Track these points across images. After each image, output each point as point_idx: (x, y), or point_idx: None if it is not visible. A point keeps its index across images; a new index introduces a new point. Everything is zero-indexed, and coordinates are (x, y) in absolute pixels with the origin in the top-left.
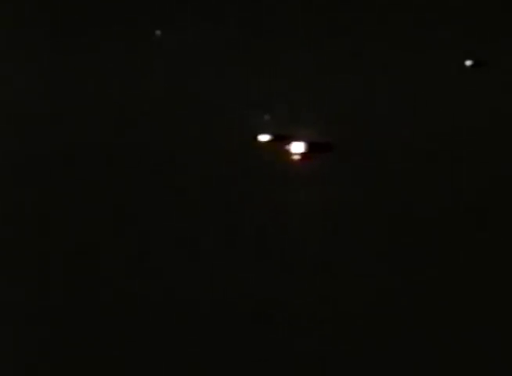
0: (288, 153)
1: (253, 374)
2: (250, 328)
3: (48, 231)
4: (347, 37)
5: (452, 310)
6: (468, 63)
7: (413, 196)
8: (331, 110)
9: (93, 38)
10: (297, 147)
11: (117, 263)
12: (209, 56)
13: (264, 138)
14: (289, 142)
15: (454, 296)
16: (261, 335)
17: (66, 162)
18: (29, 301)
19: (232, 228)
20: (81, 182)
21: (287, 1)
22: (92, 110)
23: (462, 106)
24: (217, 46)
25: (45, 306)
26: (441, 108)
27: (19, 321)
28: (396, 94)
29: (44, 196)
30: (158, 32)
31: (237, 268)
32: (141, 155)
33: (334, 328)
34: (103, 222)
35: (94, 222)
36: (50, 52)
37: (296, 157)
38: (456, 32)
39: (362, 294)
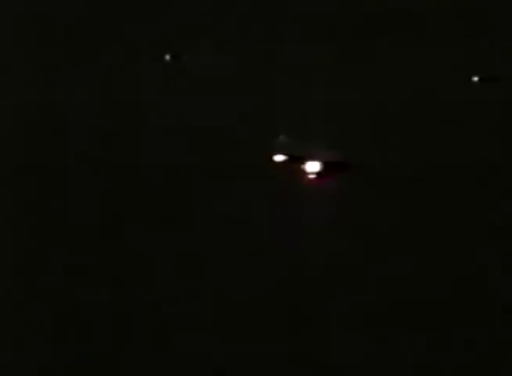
0: (303, 173)
1: None
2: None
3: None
4: (358, 60)
5: None
6: (475, 78)
7: (429, 213)
8: (346, 130)
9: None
10: (312, 167)
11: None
12: (224, 77)
13: (279, 158)
14: (304, 162)
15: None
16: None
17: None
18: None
19: (248, 247)
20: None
21: (306, 24)
22: (109, 131)
23: (472, 122)
24: (233, 67)
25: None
26: (454, 124)
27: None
28: (408, 112)
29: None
30: (167, 57)
31: (250, 285)
32: (155, 175)
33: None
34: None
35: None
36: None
37: (311, 177)
38: (464, 46)
39: (382, 316)
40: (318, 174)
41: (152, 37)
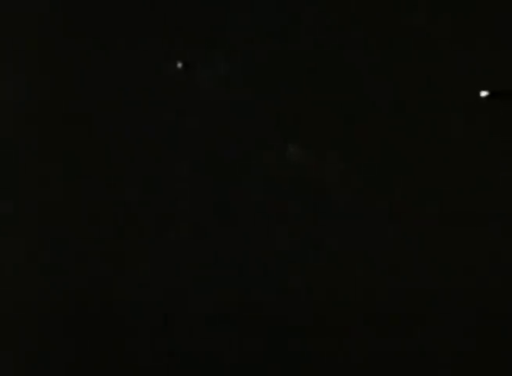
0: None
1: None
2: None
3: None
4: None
5: None
6: (484, 94)
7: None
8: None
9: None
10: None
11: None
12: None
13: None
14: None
15: None
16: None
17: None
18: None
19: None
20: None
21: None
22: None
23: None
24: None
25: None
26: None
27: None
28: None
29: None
30: (180, 64)
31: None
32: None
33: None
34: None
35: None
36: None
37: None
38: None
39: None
40: None
41: (163, 44)
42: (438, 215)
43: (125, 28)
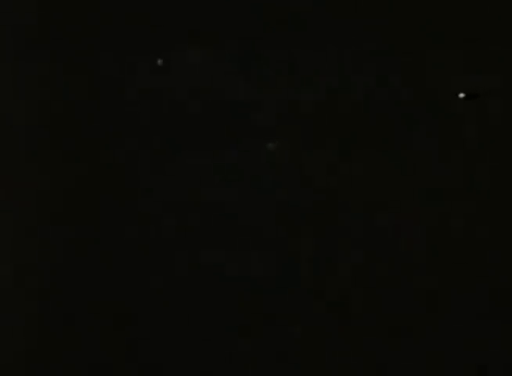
0: None
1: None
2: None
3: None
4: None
5: None
6: (461, 95)
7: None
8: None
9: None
10: None
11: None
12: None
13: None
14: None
15: None
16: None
17: None
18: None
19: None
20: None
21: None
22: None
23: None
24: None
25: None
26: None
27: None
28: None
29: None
30: (160, 61)
31: None
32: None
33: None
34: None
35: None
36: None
37: None
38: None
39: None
40: None
41: (144, 40)
42: (436, 212)
43: (106, 26)
